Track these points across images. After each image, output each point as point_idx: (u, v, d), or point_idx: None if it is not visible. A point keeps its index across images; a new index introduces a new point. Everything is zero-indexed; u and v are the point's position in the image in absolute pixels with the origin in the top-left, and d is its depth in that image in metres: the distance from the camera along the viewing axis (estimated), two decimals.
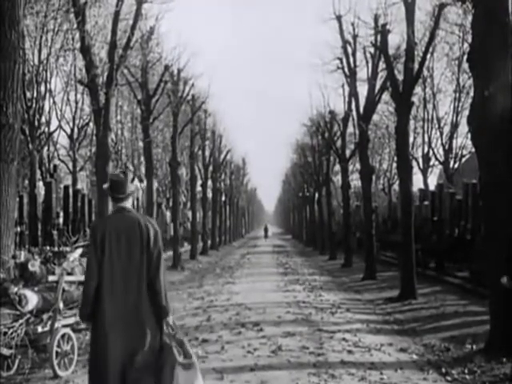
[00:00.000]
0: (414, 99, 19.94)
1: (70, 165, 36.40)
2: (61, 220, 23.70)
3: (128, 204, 5.60)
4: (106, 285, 5.29)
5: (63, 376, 8.28)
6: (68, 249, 9.88)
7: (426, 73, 33.69)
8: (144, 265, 5.36)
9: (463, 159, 37.63)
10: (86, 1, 16.00)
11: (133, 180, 5.52)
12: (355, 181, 44.00)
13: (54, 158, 35.10)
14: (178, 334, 5.53)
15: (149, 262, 5.39)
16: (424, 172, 38.68)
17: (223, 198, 54.10)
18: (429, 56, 23.47)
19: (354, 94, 23.77)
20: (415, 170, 34.55)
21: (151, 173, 23.99)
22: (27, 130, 28.04)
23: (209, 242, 42.13)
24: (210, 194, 44.52)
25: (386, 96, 25.40)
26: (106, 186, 5.75)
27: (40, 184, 30.08)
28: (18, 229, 19.36)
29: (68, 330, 8.65)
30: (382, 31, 18.22)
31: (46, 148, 32.80)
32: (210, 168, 42.51)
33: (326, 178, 36.91)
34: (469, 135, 21.61)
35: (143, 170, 36.62)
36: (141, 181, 42.77)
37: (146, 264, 5.37)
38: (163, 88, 24.19)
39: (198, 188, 40.59)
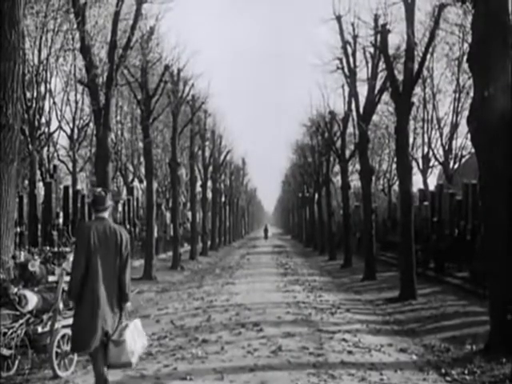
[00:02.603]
0: (414, 99, 19.97)
1: (70, 165, 36.41)
2: (60, 220, 23.68)
3: (106, 215, 7.03)
4: (91, 273, 6.71)
5: (63, 376, 8.29)
6: (68, 249, 9.90)
7: (425, 73, 33.67)
8: (117, 262, 6.85)
9: (463, 159, 37.60)
10: (86, 1, 16.04)
11: (116, 202, 6.62)
12: (355, 181, 43.99)
13: (54, 159, 35.10)
14: (130, 318, 7.04)
15: (120, 261, 6.86)
16: (424, 172, 38.65)
17: (223, 199, 54.07)
18: (429, 56, 23.47)
19: (353, 94, 23.77)
20: (415, 170, 34.57)
21: (151, 173, 23.95)
22: (27, 130, 28.02)
23: (208, 242, 42.11)
24: (209, 195, 44.49)
25: (385, 96, 25.42)
26: (89, 200, 7.22)
27: (40, 184, 30.07)
28: (18, 229, 19.35)
29: (68, 331, 8.60)
30: (382, 31, 18.21)
31: (45, 148, 32.79)
32: (210, 168, 42.49)
33: (326, 179, 36.90)
34: (469, 135, 21.63)
35: (143, 170, 36.62)
36: (140, 181, 42.82)
37: (118, 262, 6.85)
38: (163, 88, 24.16)
39: (198, 188, 40.57)
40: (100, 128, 16.54)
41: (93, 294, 6.68)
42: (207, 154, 41.75)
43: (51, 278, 9.01)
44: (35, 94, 29.63)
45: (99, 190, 7.34)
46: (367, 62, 22.87)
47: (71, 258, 9.33)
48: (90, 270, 6.70)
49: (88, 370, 8.44)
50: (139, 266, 24.00)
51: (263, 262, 33.23)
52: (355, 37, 23.57)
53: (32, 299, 8.50)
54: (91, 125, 32.89)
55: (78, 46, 19.96)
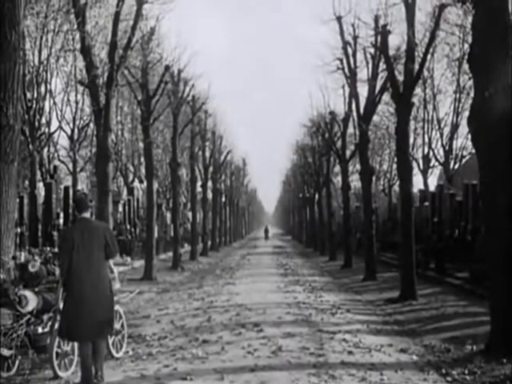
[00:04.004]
0: (414, 100, 19.95)
1: (70, 165, 36.44)
2: (61, 221, 23.71)
3: (87, 214, 7.95)
4: (74, 267, 7.59)
5: (63, 377, 8.28)
6: None
7: (426, 74, 33.68)
8: (101, 254, 7.73)
9: (463, 160, 37.64)
10: (87, 1, 16.05)
11: (91, 201, 8.16)
12: (355, 182, 43.99)
13: (54, 159, 35.14)
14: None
15: (109, 250, 7.80)
16: (424, 173, 38.67)
17: (223, 199, 54.07)
18: (429, 57, 23.44)
19: (354, 94, 23.74)
20: (415, 170, 34.60)
21: (151, 174, 23.95)
22: (27, 130, 28.07)
23: (209, 242, 42.12)
24: (210, 195, 44.51)
25: (386, 97, 25.41)
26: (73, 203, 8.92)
27: (40, 185, 30.11)
28: (18, 230, 19.38)
29: None
30: (383, 32, 18.20)
31: (46, 149, 32.83)
32: (211, 169, 42.49)
33: (326, 179, 36.89)
34: (469, 136, 21.61)
35: (143, 170, 36.60)
36: (141, 182, 42.83)
37: (104, 252, 7.75)
38: (163, 89, 24.15)
39: (198, 189, 40.56)
40: (100, 128, 16.55)
41: (77, 291, 7.54)
42: (207, 154, 41.75)
43: (51, 279, 9.01)
44: (35, 95, 29.70)
45: (79, 193, 8.18)
46: (367, 63, 22.84)
47: None
48: (74, 264, 7.56)
49: None
50: (139, 266, 24.00)
51: (264, 262, 33.22)
52: (355, 37, 23.54)
53: (32, 300, 8.50)
54: (91, 125, 32.90)
55: (78, 46, 19.94)
